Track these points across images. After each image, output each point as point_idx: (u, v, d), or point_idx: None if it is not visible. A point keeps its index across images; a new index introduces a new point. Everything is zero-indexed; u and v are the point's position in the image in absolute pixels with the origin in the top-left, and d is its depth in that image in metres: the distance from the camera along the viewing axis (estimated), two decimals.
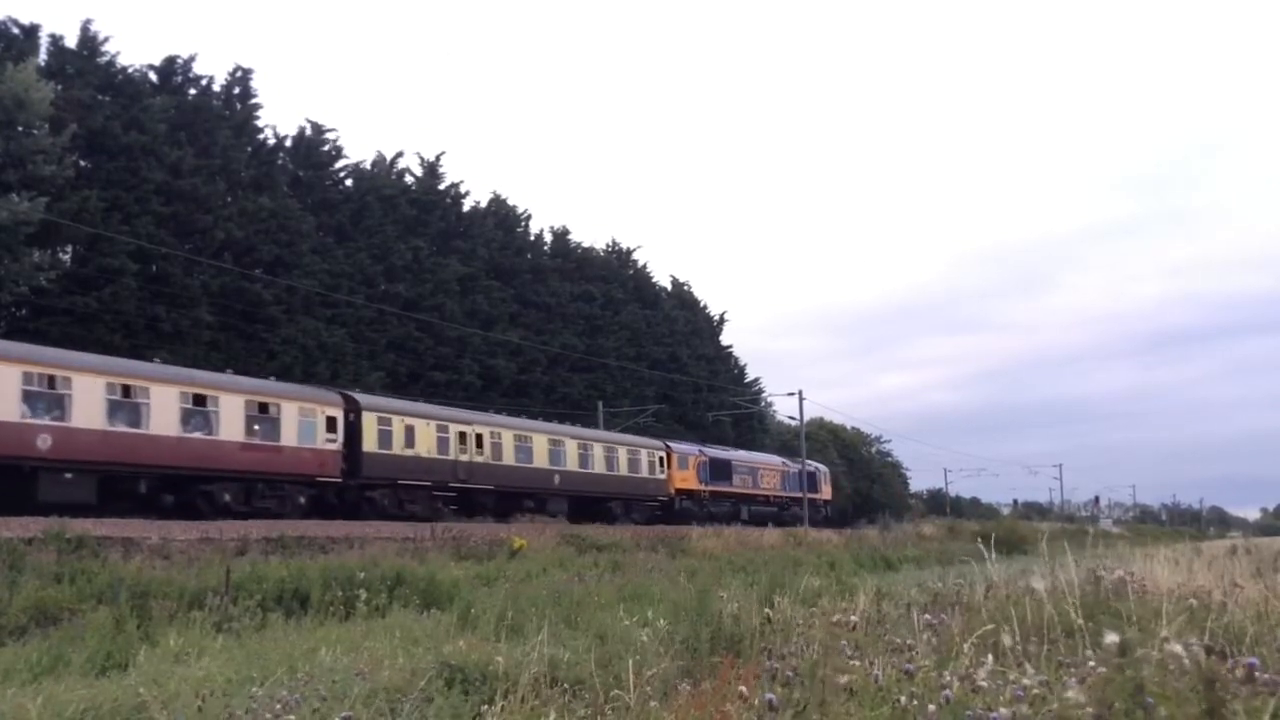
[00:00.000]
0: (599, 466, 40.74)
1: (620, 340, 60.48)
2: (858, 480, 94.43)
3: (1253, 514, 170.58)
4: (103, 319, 34.43)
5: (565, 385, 54.69)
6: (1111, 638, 2.71)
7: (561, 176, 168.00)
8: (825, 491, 59.63)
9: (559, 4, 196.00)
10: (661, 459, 44.63)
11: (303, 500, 28.07)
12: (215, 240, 39.02)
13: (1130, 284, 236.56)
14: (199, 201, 38.65)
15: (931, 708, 3.39)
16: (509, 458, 35.98)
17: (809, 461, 58.12)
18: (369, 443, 30.26)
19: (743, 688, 3.77)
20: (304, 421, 28.41)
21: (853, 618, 5.49)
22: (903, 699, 3.66)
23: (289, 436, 27.90)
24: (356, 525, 25.86)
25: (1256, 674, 2.56)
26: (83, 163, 36.55)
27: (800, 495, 53.95)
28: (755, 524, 44.98)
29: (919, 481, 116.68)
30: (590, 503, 39.28)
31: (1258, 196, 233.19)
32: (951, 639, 5.32)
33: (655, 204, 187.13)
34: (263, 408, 27.58)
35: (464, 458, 33.72)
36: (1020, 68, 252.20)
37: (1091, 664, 3.53)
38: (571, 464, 39.07)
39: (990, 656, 4.65)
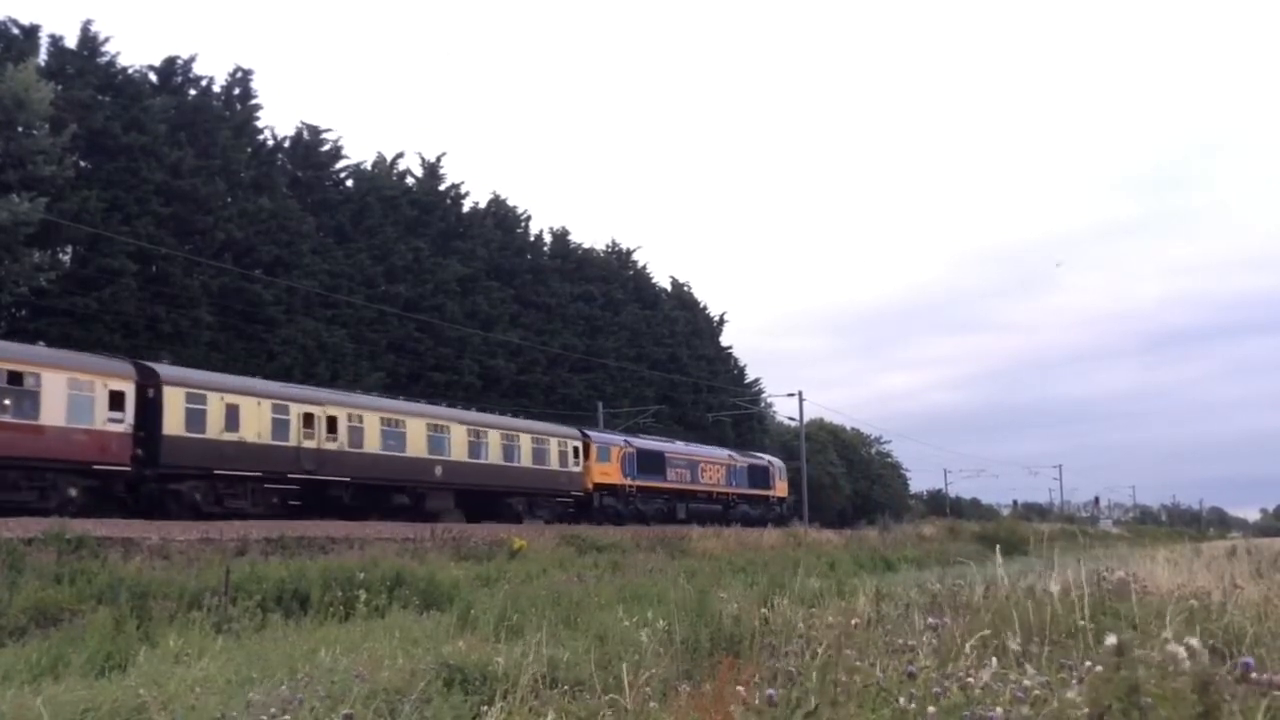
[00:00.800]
0: (495, 456, 35.68)
1: (620, 341, 60.49)
2: (858, 481, 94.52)
3: (1253, 514, 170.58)
4: (103, 319, 34.44)
5: (565, 386, 54.71)
6: (1111, 639, 2.71)
7: (561, 176, 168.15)
8: (779, 488, 54.91)
9: (559, 4, 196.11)
10: (577, 449, 39.76)
11: (74, 493, 23.07)
12: (215, 241, 39.03)
13: (1131, 284, 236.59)
14: (199, 202, 38.65)
15: (932, 710, 3.39)
16: (372, 444, 30.76)
17: (761, 455, 55.31)
18: (172, 424, 25.25)
19: (740, 688, 3.77)
20: (76, 396, 23.54)
21: (854, 620, 5.49)
22: (902, 700, 3.66)
23: (53, 414, 22.98)
24: (356, 526, 25.83)
25: (1252, 674, 2.57)
26: (83, 163, 36.56)
27: (750, 492, 50.73)
28: (694, 523, 41.19)
29: (919, 482, 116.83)
30: (484, 498, 35.05)
31: (1258, 196, 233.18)
32: (952, 640, 5.32)
33: (655, 204, 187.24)
34: (13, 377, 22.57)
35: (310, 444, 28.53)
36: (1021, 68, 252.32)
37: (1088, 665, 3.53)
38: (458, 453, 34.05)
39: (994, 659, 4.66)
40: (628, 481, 41.86)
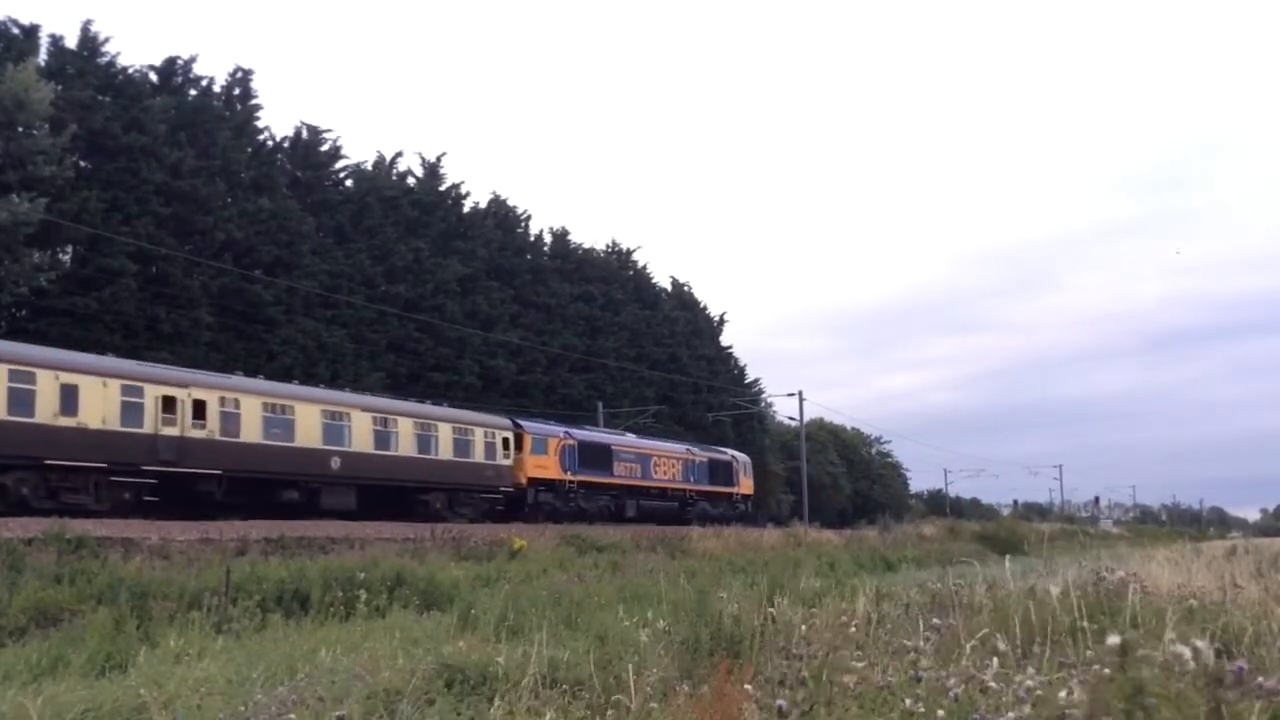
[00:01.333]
0: (406, 448, 31.89)
1: (620, 341, 60.48)
2: (858, 481, 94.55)
3: (1253, 514, 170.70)
4: (103, 320, 34.43)
5: (565, 386, 54.70)
6: (1114, 639, 2.71)
7: (561, 177, 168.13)
8: (743, 484, 51.24)
9: (559, 4, 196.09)
10: (508, 440, 35.96)
11: None
12: (215, 241, 39.02)
13: (1131, 284, 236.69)
14: (199, 202, 38.64)
15: (941, 713, 3.39)
16: (252, 432, 27.15)
17: (724, 449, 52.18)
18: None
19: (749, 686, 3.77)
20: None
21: (854, 623, 5.49)
22: (908, 701, 3.65)
23: None
24: (356, 525, 25.82)
25: (1244, 678, 2.56)
26: (83, 163, 36.55)
27: (711, 489, 47.39)
28: (646, 521, 39.18)
29: (919, 482, 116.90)
30: (393, 495, 31.32)
31: (1258, 196, 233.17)
32: (954, 640, 5.32)
33: (655, 204, 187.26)
34: None
35: (171, 431, 25.10)
36: (1021, 68, 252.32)
37: (1096, 666, 3.52)
38: (360, 443, 30.28)
39: (995, 660, 4.65)
40: (567, 476, 38.33)
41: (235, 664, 7.76)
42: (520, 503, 36.43)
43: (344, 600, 12.65)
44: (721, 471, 49.21)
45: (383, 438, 31.32)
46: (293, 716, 5.39)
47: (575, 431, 40.61)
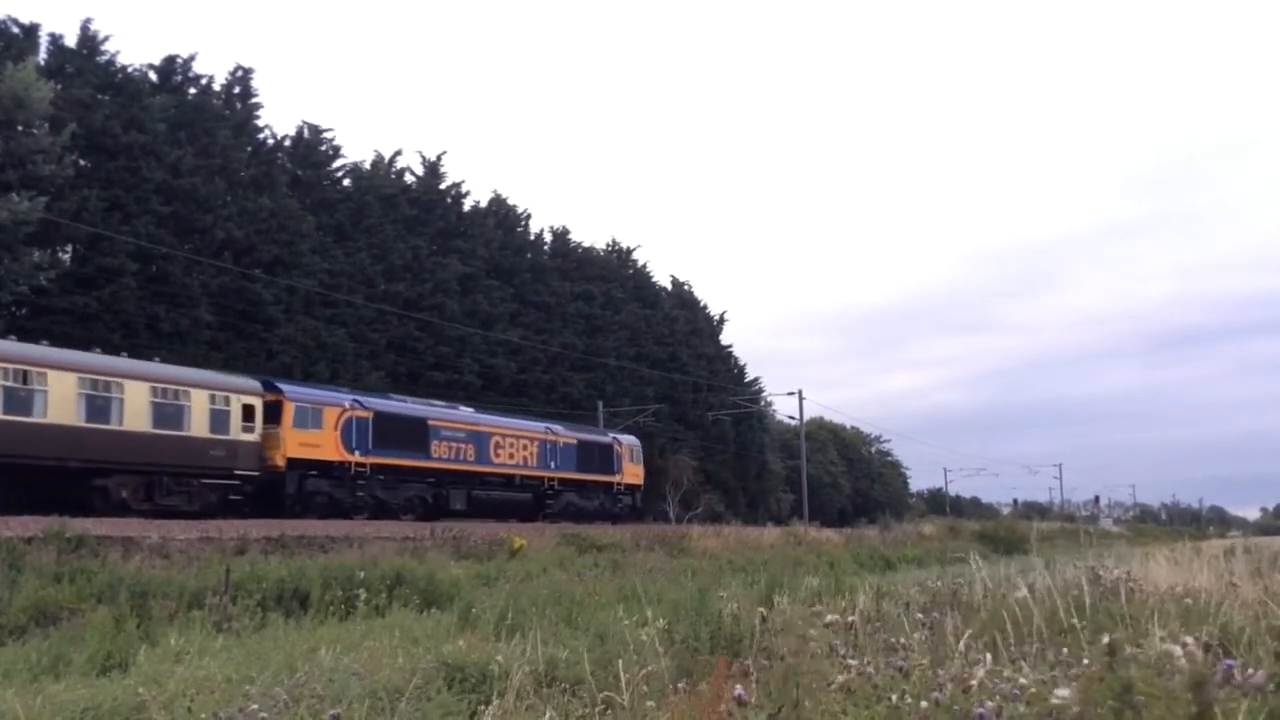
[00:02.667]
0: (62, 414, 22.91)
1: (620, 340, 60.47)
2: (858, 480, 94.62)
3: (1253, 514, 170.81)
4: (102, 319, 34.44)
5: (565, 385, 54.69)
6: (1104, 637, 2.73)
7: (561, 176, 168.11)
8: (628, 472, 43.13)
9: (559, 4, 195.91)
10: (250, 408, 27.36)
11: None
12: (215, 240, 39.01)
13: (1135, 284, 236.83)
14: (199, 201, 38.64)
15: (924, 705, 3.41)
16: None
17: (603, 431, 45.02)
18: None
19: (739, 687, 3.79)
20: None
21: (830, 616, 5.50)
22: (894, 697, 3.68)
23: None
24: (356, 525, 25.87)
25: (1230, 676, 2.58)
26: (82, 162, 36.53)
27: (581, 477, 39.85)
28: (483, 516, 32.82)
29: (919, 481, 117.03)
30: (43, 478, 22.73)
31: (1263, 197, 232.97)
32: (947, 638, 5.34)
33: (655, 204, 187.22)
34: None
35: None
36: (1026, 68, 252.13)
37: (1085, 662, 3.55)
38: None
39: (988, 656, 4.68)
40: (354, 457, 29.91)
41: (235, 663, 7.79)
42: (278, 491, 27.96)
43: (344, 599, 12.68)
44: (597, 456, 41.17)
45: (20, 400, 22.31)
46: (290, 716, 5.41)
47: (369, 399, 32.00)
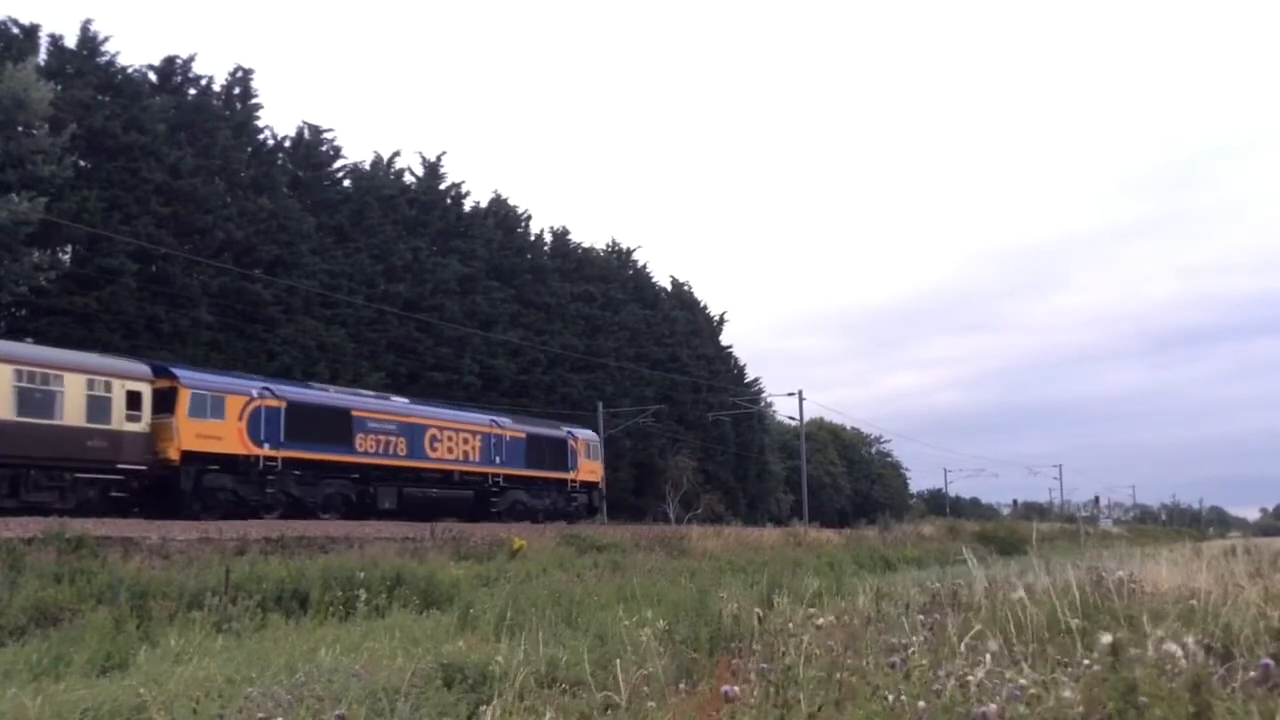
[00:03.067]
0: None
1: (620, 340, 60.46)
2: (858, 480, 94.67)
3: (1253, 514, 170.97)
4: (102, 319, 34.43)
5: (565, 385, 54.68)
6: (1107, 638, 2.72)
7: (561, 176, 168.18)
8: (585, 469, 40.50)
9: (559, 4, 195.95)
10: (137, 395, 24.88)
11: None
12: (215, 240, 39.00)
13: (1139, 284, 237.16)
14: (199, 202, 38.64)
15: (921, 704, 3.41)
16: None
17: (556, 425, 41.65)
18: None
19: (736, 687, 3.79)
20: None
21: (831, 618, 5.50)
22: (890, 697, 3.67)
23: None
24: (356, 525, 25.87)
25: (1228, 677, 2.58)
26: (82, 163, 36.53)
27: (531, 474, 37.39)
28: (417, 516, 29.90)
29: (919, 482, 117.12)
30: None
31: (1268, 197, 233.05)
32: (948, 638, 5.33)
33: (655, 204, 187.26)
34: None
35: None
36: (1029, 68, 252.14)
37: (1086, 663, 3.54)
38: None
39: (987, 656, 4.67)
40: (262, 451, 27.45)
41: (235, 663, 7.78)
42: (171, 487, 25.42)
43: (344, 600, 12.68)
44: (549, 451, 38.66)
45: None
46: (290, 716, 5.40)
47: (282, 387, 29.40)
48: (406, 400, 34.65)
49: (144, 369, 25.78)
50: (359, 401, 31.67)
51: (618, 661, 5.60)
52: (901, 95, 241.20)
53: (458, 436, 34.42)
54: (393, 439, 31.70)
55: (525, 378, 51.94)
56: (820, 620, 5.06)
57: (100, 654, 8.97)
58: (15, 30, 35.88)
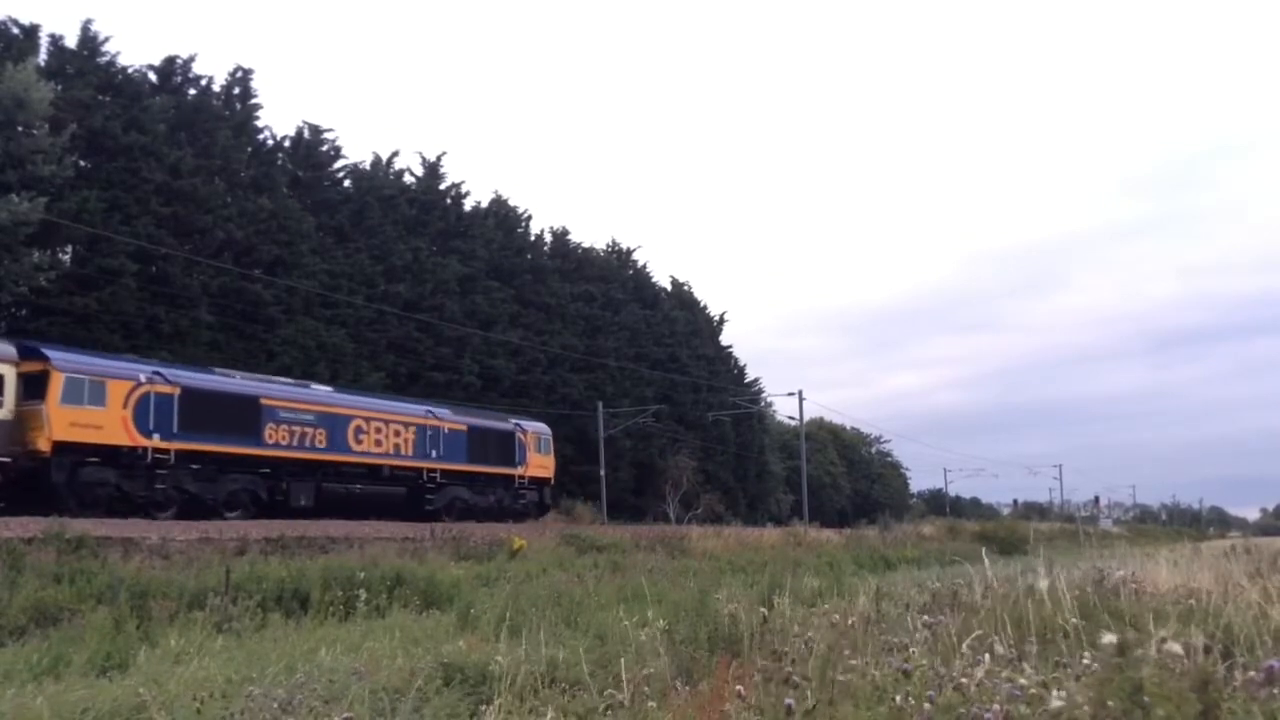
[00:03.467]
0: None
1: (620, 340, 60.47)
2: (857, 480, 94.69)
3: (1252, 514, 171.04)
4: (102, 319, 34.44)
5: (565, 385, 54.69)
6: (1109, 638, 2.72)
7: (561, 177, 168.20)
8: (533, 464, 37.83)
9: (559, 4, 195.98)
10: None
11: None
12: (215, 240, 39.01)
13: (1140, 284, 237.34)
14: (199, 202, 38.64)
15: (927, 706, 3.40)
16: None
17: (502, 416, 38.96)
18: None
19: (740, 687, 3.78)
20: None
21: (850, 619, 5.50)
22: (898, 699, 3.67)
23: None
24: (356, 525, 25.87)
25: (1275, 675, 2.57)
26: (82, 163, 36.52)
27: (473, 469, 34.75)
28: (340, 514, 27.83)
29: (919, 482, 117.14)
30: None
31: (1269, 197, 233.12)
32: (949, 639, 5.33)
33: (655, 204, 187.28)
34: None
35: None
36: (1029, 68, 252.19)
37: (1087, 663, 3.54)
38: None
39: (987, 656, 4.66)
40: (151, 442, 24.88)
41: (235, 664, 7.78)
42: (38, 481, 22.87)
43: (344, 600, 12.67)
44: (494, 445, 36.00)
45: None
46: (290, 718, 5.40)
47: (176, 372, 26.70)
48: (330, 389, 32.02)
49: (8, 349, 23.30)
50: (269, 389, 28.72)
51: (622, 660, 5.60)
52: (902, 95, 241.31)
53: (387, 428, 31.65)
54: (310, 430, 28.93)
55: (525, 378, 51.93)
56: (835, 617, 5.06)
57: (100, 654, 8.97)
58: (15, 30, 35.88)
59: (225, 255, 38.93)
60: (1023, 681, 3.47)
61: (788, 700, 3.56)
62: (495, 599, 12.15)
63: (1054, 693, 2.98)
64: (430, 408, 34.40)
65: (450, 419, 34.44)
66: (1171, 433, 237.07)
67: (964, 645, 4.90)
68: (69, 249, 35.91)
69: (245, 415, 27.38)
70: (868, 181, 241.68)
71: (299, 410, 28.82)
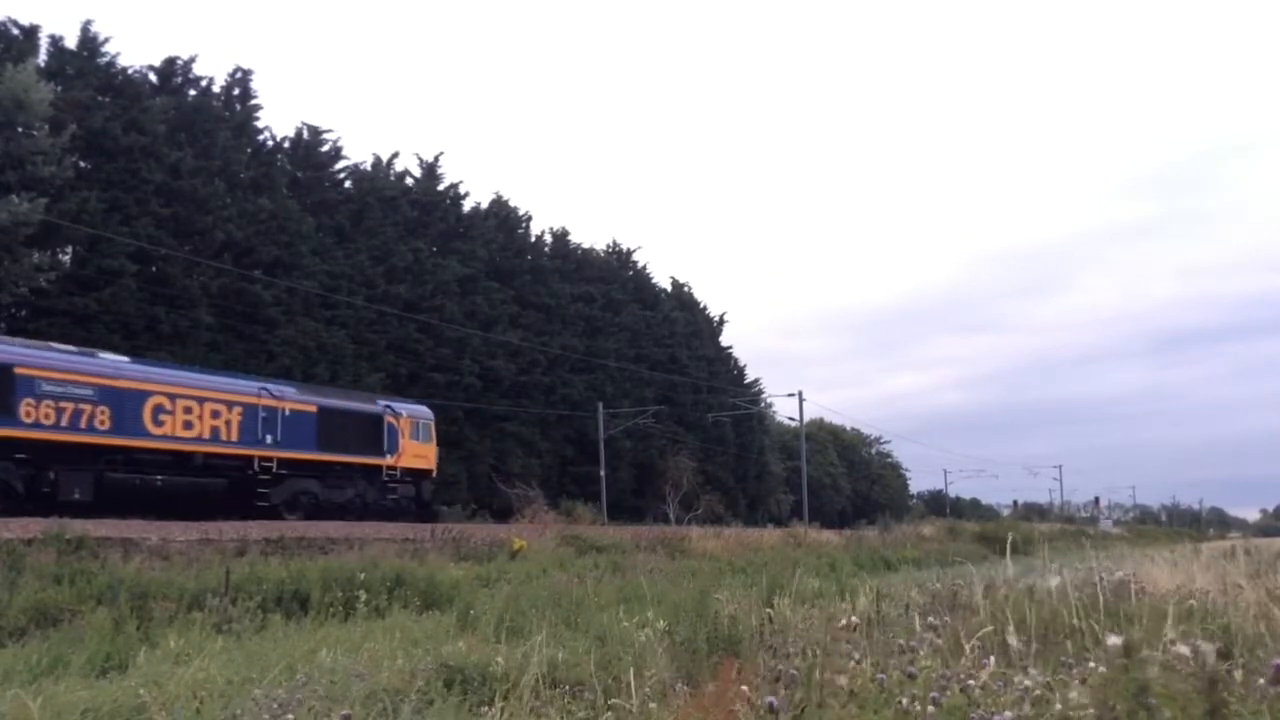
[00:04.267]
0: None
1: (620, 341, 60.46)
2: (858, 481, 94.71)
3: (1252, 515, 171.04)
4: (102, 320, 34.42)
5: (565, 386, 54.68)
6: (1114, 639, 2.71)
7: (561, 177, 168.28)
8: (408, 453, 31.91)
9: (559, 4, 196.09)
10: None
11: None
12: (215, 241, 38.99)
13: (1143, 284, 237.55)
14: (199, 202, 38.63)
15: (931, 709, 3.39)
16: None
17: (371, 397, 33.44)
18: None
19: (745, 687, 3.77)
20: None
21: (854, 619, 5.49)
22: (904, 700, 3.66)
23: None
24: (356, 525, 25.84)
25: (1242, 678, 2.56)
26: (82, 164, 36.51)
27: (329, 458, 28.81)
28: (130, 511, 22.32)
29: (919, 482, 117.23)
30: None
31: (1271, 198, 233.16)
32: (954, 640, 5.32)
33: (655, 205, 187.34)
34: None
35: None
36: (1030, 69, 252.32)
37: (1092, 664, 3.52)
38: None
39: (991, 658, 4.65)
40: None
41: (235, 665, 7.76)
42: None
43: (344, 600, 12.65)
44: (353, 430, 29.99)
45: None
46: (290, 717, 5.38)
47: None
48: (127, 359, 25.69)
49: None
50: (30, 356, 22.52)
51: (631, 668, 5.58)
52: (903, 96, 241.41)
53: (201, 408, 25.61)
54: (88, 408, 23.13)
55: (525, 379, 51.92)
56: (843, 620, 5.04)
57: (100, 655, 8.95)
58: (15, 31, 35.86)
59: (225, 256, 38.92)
60: (1027, 683, 3.46)
61: (769, 699, 3.54)
62: (495, 600, 12.14)
63: (1060, 694, 2.97)
64: (266, 385, 28.29)
65: (293, 398, 28.33)
66: (1172, 433, 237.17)
67: (968, 646, 4.89)
68: (69, 250, 35.90)
69: None
70: (869, 182, 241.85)
71: (73, 383, 22.93)
